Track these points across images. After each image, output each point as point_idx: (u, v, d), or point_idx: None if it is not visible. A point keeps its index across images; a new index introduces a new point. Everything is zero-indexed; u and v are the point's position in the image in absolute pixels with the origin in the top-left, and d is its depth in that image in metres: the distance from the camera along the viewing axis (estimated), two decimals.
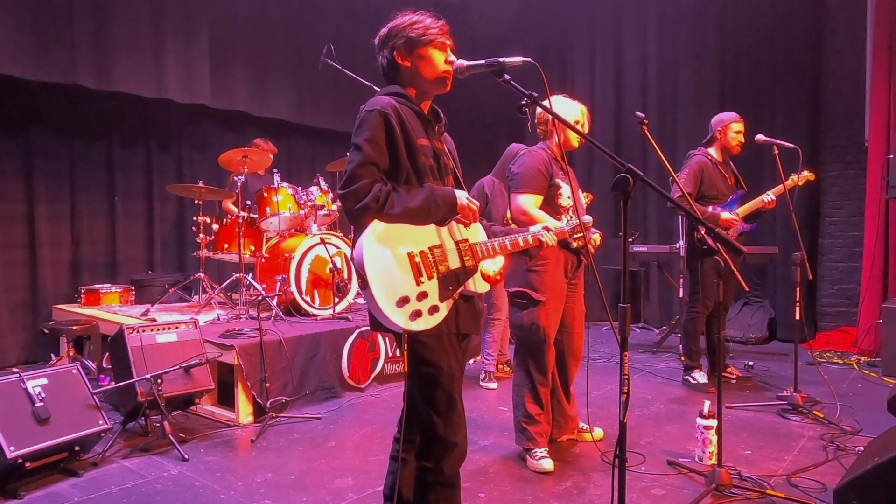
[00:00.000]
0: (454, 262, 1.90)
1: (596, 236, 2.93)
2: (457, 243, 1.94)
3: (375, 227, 1.78)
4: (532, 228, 2.18)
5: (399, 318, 1.75)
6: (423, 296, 1.80)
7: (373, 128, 1.82)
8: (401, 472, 2.02)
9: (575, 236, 2.42)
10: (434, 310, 1.82)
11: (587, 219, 2.66)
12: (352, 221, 1.85)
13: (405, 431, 1.98)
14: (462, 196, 1.91)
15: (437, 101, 2.09)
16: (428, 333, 1.84)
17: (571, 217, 2.45)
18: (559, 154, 3.10)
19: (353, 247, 1.84)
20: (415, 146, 1.88)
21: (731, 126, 4.33)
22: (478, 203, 1.97)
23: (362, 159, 1.79)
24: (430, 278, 1.83)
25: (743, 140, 4.38)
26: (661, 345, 5.80)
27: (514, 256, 2.62)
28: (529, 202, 2.99)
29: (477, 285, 1.98)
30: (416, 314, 1.78)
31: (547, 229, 2.21)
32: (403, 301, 1.77)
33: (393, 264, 1.78)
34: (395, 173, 1.87)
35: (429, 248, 1.86)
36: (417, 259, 1.82)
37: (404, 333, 1.81)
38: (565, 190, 3.04)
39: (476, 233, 2.03)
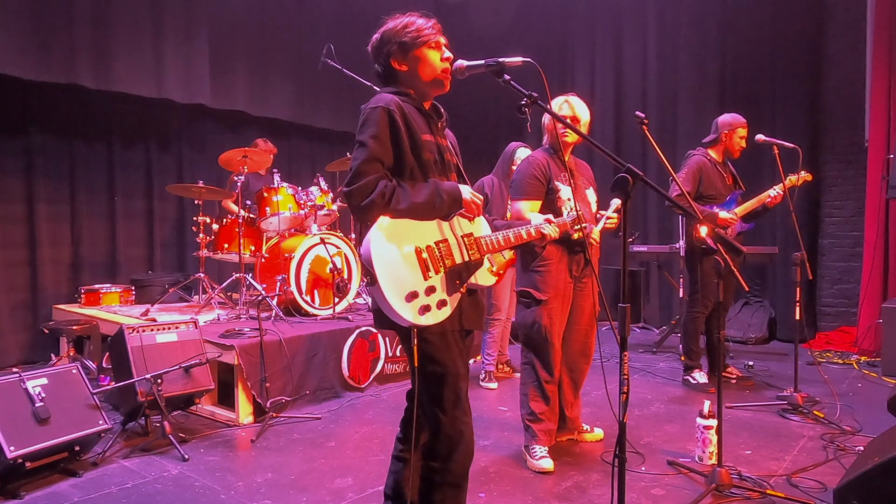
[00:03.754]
0: (459, 257, 1.92)
1: (613, 220, 3.00)
2: (461, 237, 1.95)
3: (382, 224, 1.80)
4: (534, 221, 2.29)
5: (408, 314, 1.77)
6: (431, 290, 1.82)
7: (377, 124, 1.83)
8: (404, 472, 2.02)
9: (575, 227, 2.56)
10: (442, 304, 1.85)
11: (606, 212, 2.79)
12: (358, 218, 1.86)
13: (407, 431, 1.99)
14: (466, 191, 1.92)
15: (438, 100, 2.09)
16: (433, 331, 1.85)
17: (571, 210, 2.64)
18: (562, 154, 3.12)
19: (357, 244, 1.86)
20: (419, 142, 1.89)
21: (738, 131, 4.34)
22: (482, 197, 1.98)
23: (367, 156, 1.81)
24: (437, 273, 1.85)
25: (745, 145, 4.40)
26: (661, 345, 5.80)
27: (517, 257, 2.68)
28: (525, 208, 3.05)
29: (481, 279, 2.00)
30: (425, 309, 1.80)
31: (549, 221, 2.37)
32: (412, 296, 1.79)
33: (401, 260, 1.80)
34: (399, 169, 1.88)
35: (435, 242, 1.88)
36: (424, 254, 1.84)
37: (413, 330, 1.82)
38: (564, 192, 3.05)
39: (480, 227, 2.04)
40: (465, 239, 1.96)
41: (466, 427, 1.95)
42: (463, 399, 1.94)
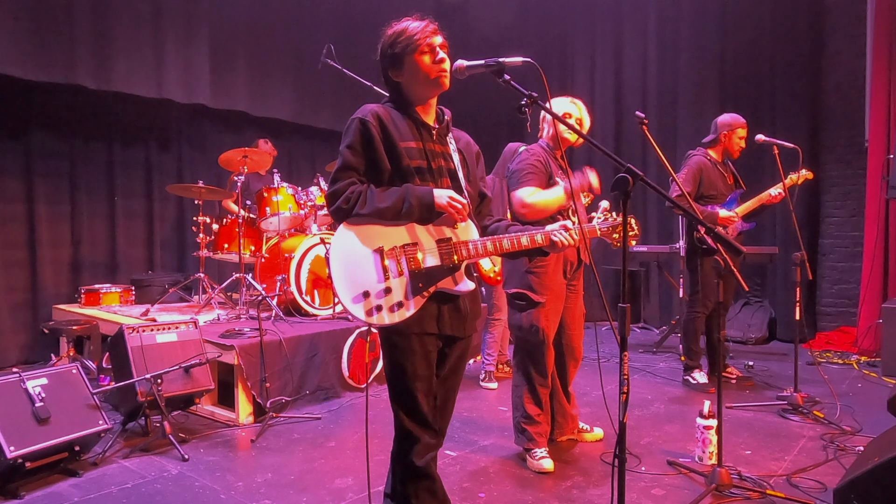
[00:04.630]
0: (431, 261, 1.92)
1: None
2: (437, 242, 1.95)
3: (347, 226, 1.89)
4: (548, 227, 2.08)
5: (358, 312, 1.83)
6: (386, 292, 1.85)
7: (352, 135, 1.96)
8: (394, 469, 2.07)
9: (615, 236, 2.33)
10: (398, 306, 1.86)
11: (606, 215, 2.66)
12: (334, 221, 1.96)
13: None
14: (442, 195, 1.89)
15: (440, 99, 2.09)
16: (396, 332, 1.91)
17: (608, 216, 2.35)
18: (559, 152, 3.10)
19: None
20: (398, 149, 1.94)
21: (738, 131, 4.35)
22: (464, 202, 1.93)
23: (341, 164, 1.96)
24: (398, 275, 1.87)
25: (744, 146, 4.40)
26: (661, 345, 5.80)
27: (509, 257, 2.54)
28: (528, 192, 2.93)
29: (460, 285, 1.96)
30: (377, 309, 1.84)
31: (565, 228, 2.07)
32: (364, 296, 1.83)
33: (358, 260, 1.86)
34: (376, 175, 1.97)
35: (402, 245, 1.90)
36: (386, 256, 1.87)
37: (369, 328, 1.85)
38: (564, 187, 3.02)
39: (466, 232, 2.01)
40: (442, 243, 1.94)
41: (426, 426, 1.99)
42: (419, 400, 1.96)
